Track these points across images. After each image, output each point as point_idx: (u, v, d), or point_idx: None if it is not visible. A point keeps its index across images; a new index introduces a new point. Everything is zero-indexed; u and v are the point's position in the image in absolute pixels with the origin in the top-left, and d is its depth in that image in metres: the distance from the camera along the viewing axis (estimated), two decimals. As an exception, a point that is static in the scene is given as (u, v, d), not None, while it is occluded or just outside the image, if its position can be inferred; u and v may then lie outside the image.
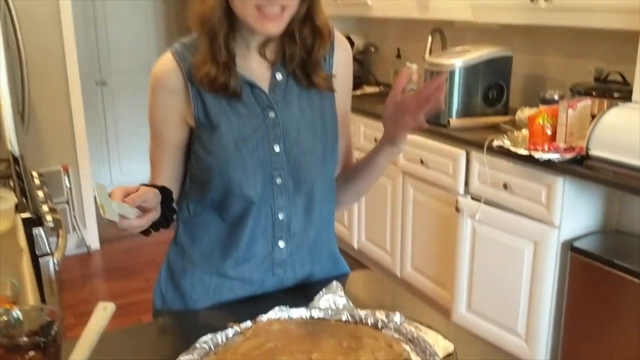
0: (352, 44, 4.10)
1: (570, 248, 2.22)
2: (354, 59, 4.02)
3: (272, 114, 1.13)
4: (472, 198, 2.56)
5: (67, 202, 3.78)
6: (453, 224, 2.66)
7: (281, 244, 1.20)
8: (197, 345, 0.99)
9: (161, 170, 1.19)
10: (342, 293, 1.16)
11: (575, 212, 2.25)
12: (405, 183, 3.00)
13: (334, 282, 1.18)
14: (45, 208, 1.93)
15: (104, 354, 0.93)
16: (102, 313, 0.94)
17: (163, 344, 1.11)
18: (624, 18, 2.22)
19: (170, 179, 1.19)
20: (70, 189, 3.81)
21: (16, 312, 0.93)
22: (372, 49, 4.18)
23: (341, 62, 1.21)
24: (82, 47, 4.43)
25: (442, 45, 3.35)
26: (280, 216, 1.17)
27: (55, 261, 1.79)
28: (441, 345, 1.02)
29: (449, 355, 1.00)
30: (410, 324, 1.06)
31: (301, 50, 1.12)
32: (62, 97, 3.72)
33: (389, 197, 3.15)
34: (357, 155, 1.32)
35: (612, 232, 2.35)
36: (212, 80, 1.08)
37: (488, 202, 2.47)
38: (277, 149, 1.14)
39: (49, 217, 1.87)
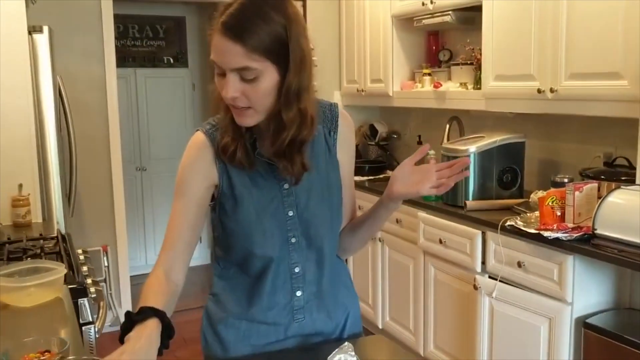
0: (376, 131, 4.36)
1: (583, 325, 2.29)
2: (378, 145, 4.28)
3: (286, 186, 1.33)
4: (490, 276, 2.67)
5: (105, 281, 3.97)
6: (472, 302, 2.75)
7: (298, 293, 1.38)
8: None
9: (181, 225, 1.32)
10: (352, 352, 1.29)
11: (587, 289, 2.33)
12: (427, 262, 3.12)
13: (346, 343, 1.31)
14: (89, 281, 2.11)
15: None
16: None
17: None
18: (624, 107, 2.40)
19: (189, 234, 1.33)
20: (108, 268, 4.00)
21: None
22: (395, 136, 4.41)
23: (344, 137, 1.41)
24: (125, 135, 4.78)
25: (459, 132, 3.55)
26: (296, 269, 1.36)
27: (96, 329, 1.95)
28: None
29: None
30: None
31: (274, 135, 1.26)
32: (105, 181, 4.00)
33: (412, 277, 3.27)
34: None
35: (626, 309, 2.42)
36: (226, 149, 1.28)
37: (504, 280, 2.58)
38: (290, 213, 1.34)
39: (92, 289, 2.05)
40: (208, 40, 1.20)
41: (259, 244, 1.32)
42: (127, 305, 4.15)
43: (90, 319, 1.93)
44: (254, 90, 1.18)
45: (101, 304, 2.10)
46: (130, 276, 4.25)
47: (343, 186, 1.42)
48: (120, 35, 5.09)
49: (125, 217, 4.14)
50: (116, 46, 4.02)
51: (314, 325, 1.41)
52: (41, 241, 2.42)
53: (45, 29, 2.89)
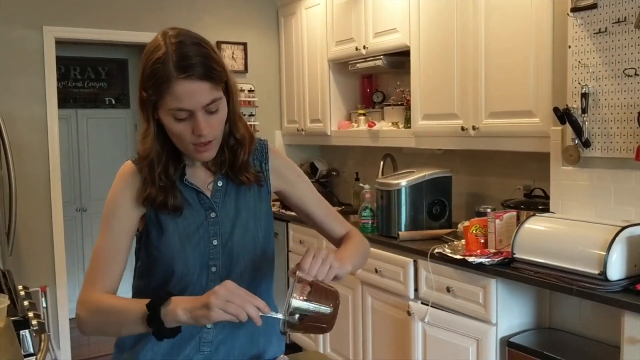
0: (316, 169, 4.51)
1: (507, 344, 2.45)
2: (319, 182, 4.43)
3: (213, 214, 1.37)
4: (422, 302, 2.81)
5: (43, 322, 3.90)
6: (407, 328, 2.88)
7: (209, 325, 1.35)
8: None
9: (107, 259, 1.33)
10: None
11: (509, 311, 2.51)
12: (364, 292, 3.25)
13: (282, 356, 1.42)
14: (30, 314, 2.13)
15: None
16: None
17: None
18: (537, 142, 2.64)
19: (119, 264, 1.34)
20: (46, 309, 3.94)
21: None
22: (334, 173, 4.58)
23: (279, 168, 1.48)
24: (66, 176, 4.76)
25: (393, 169, 3.75)
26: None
27: (38, 361, 1.97)
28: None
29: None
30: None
31: (230, 156, 1.38)
32: (45, 221, 3.97)
33: (350, 307, 3.38)
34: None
35: (546, 329, 2.60)
36: (152, 200, 1.32)
37: (435, 305, 2.73)
38: (215, 242, 1.36)
39: (34, 322, 2.07)
40: (157, 96, 1.23)
41: (179, 273, 1.34)
42: (66, 347, 4.08)
43: (32, 351, 1.96)
44: (218, 120, 1.27)
45: (42, 336, 2.11)
46: (70, 318, 4.19)
47: (306, 203, 1.51)
48: (61, 76, 5.12)
49: (65, 258, 4.11)
50: (58, 87, 4.06)
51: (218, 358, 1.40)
52: (-19, 277, 2.42)
53: (-12, 69, 2.93)
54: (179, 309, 1.16)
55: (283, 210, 4.10)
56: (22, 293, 2.43)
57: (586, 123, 2.39)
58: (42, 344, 2.11)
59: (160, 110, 1.26)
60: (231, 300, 1.13)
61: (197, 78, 1.21)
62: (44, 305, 3.93)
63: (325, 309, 1.19)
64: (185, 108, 1.23)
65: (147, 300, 1.20)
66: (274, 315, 1.18)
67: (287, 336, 4.02)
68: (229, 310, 1.12)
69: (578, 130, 2.41)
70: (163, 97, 1.23)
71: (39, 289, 3.90)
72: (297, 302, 1.16)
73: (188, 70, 1.20)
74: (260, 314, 1.15)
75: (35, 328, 2.06)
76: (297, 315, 1.16)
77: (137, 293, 1.45)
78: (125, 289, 1.37)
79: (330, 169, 4.63)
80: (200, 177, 1.40)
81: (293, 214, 3.89)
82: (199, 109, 1.23)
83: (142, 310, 1.19)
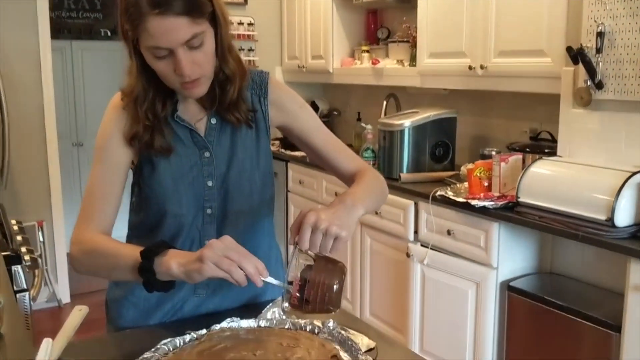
0: (317, 108, 4.41)
1: (507, 288, 2.43)
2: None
3: (207, 154, 1.30)
4: (422, 245, 2.78)
5: (40, 257, 3.90)
6: (405, 270, 2.86)
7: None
8: (158, 346, 1.17)
9: (101, 196, 1.27)
10: (287, 306, 1.34)
11: (511, 255, 2.48)
12: (363, 233, 3.22)
13: (280, 297, 1.37)
14: (23, 249, 2.10)
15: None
16: (78, 314, 1.13)
17: (128, 347, 1.26)
18: (547, 83, 2.54)
19: (114, 199, 1.28)
20: (43, 243, 3.93)
21: None
22: (336, 113, 4.48)
23: (281, 100, 1.37)
24: (61, 110, 4.66)
25: (397, 109, 3.65)
26: (207, 242, 1.19)
27: (31, 297, 1.94)
28: (365, 343, 1.21)
29: (370, 349, 1.19)
30: (342, 329, 1.25)
31: (219, 93, 1.28)
32: (40, 156, 3.90)
33: (349, 248, 3.36)
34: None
35: (547, 274, 2.58)
36: (139, 139, 1.25)
37: (435, 248, 2.70)
38: (210, 183, 1.30)
39: (27, 257, 2.04)
40: (133, 32, 1.13)
41: (172, 212, 1.29)
42: (63, 281, 4.09)
43: (25, 287, 1.93)
44: (204, 55, 1.17)
45: (36, 272, 2.09)
46: (67, 253, 4.19)
47: (310, 136, 1.40)
48: (55, 6, 4.94)
49: (62, 193, 4.06)
50: (51, 17, 3.91)
51: (214, 301, 1.38)
52: (-27, 211, 2.37)
53: (-26, -5, 2.80)
54: (173, 261, 1.11)
55: (283, 150, 4.03)
56: (16, 228, 2.39)
57: (600, 64, 2.28)
58: (36, 279, 2.08)
59: (140, 46, 1.16)
60: (227, 255, 1.07)
61: (174, 13, 1.09)
62: (41, 239, 3.92)
63: (330, 284, 1.13)
64: (162, 46, 1.13)
65: (141, 248, 1.14)
66: (273, 281, 1.13)
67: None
68: (222, 265, 1.06)
69: (591, 71, 2.30)
70: (139, 33, 1.13)
71: (36, 224, 3.88)
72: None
73: (162, 4, 1.09)
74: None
75: (28, 263, 2.03)
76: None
77: (133, 229, 1.41)
78: (120, 234, 1.32)
79: (332, 108, 4.52)
80: (192, 113, 1.32)
81: (293, 153, 3.83)
82: (178, 46, 1.13)
83: (135, 258, 1.13)
